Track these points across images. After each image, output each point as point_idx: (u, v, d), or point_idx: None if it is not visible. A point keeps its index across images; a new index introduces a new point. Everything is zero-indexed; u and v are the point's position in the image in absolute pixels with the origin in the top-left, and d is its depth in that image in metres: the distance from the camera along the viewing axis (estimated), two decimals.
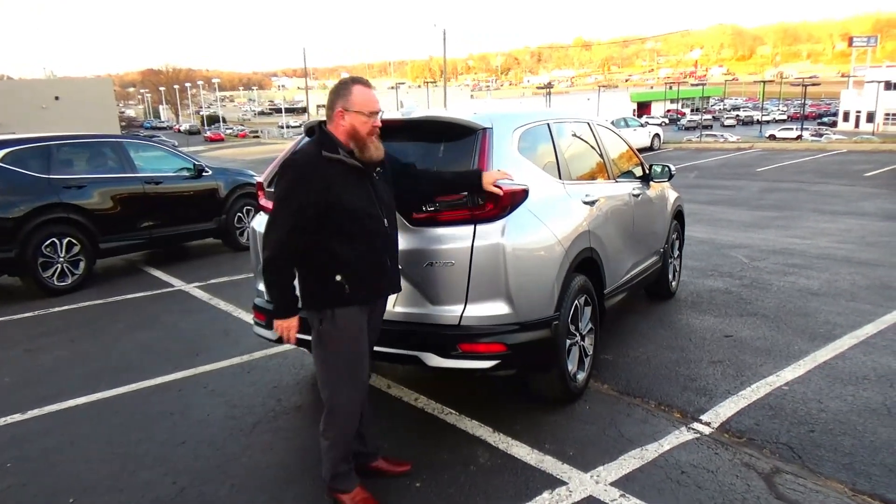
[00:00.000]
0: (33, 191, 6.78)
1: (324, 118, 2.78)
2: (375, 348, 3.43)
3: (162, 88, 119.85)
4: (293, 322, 2.70)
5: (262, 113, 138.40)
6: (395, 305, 3.31)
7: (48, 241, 6.79)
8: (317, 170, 2.58)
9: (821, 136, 44.64)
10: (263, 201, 3.92)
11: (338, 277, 2.63)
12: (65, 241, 6.92)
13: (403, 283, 3.22)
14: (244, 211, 8.99)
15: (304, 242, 2.59)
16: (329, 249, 2.62)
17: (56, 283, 6.86)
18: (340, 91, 2.67)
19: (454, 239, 3.21)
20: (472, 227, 3.21)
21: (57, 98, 39.28)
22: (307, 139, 2.76)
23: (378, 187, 2.78)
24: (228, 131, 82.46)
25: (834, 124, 65.90)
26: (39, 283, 6.77)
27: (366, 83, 2.74)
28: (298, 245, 2.59)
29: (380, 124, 2.73)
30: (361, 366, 2.79)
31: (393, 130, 3.69)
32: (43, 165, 6.96)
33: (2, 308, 6.46)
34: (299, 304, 2.72)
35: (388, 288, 2.89)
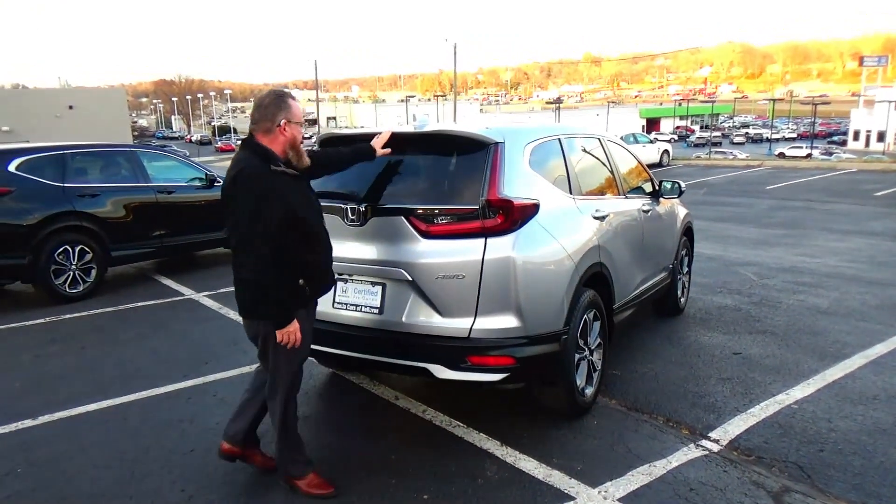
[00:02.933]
0: (47, 198, 6.85)
1: (264, 131, 2.87)
2: (384, 359, 3.46)
3: (174, 99, 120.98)
4: (295, 324, 2.83)
5: None
6: (405, 317, 3.33)
7: (61, 249, 6.84)
8: (272, 183, 2.73)
9: (830, 154, 44.56)
10: None
11: (301, 282, 2.85)
12: (77, 248, 6.97)
13: (413, 295, 3.25)
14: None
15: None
16: (293, 258, 2.80)
17: (68, 290, 6.91)
18: (281, 105, 2.84)
19: (465, 252, 3.23)
20: (483, 240, 3.24)
21: (71, 107, 39.68)
22: (241, 153, 2.84)
23: (313, 193, 3.03)
24: (239, 142, 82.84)
25: (844, 143, 65.74)
26: (51, 290, 6.83)
27: (293, 97, 2.98)
28: (276, 258, 2.72)
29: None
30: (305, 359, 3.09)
31: (405, 143, 3.72)
32: (57, 174, 7.03)
33: (14, 314, 6.52)
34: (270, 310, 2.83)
35: (331, 285, 3.15)
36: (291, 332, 2.82)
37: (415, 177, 3.66)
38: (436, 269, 3.25)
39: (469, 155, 3.45)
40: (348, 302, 3.55)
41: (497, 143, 3.44)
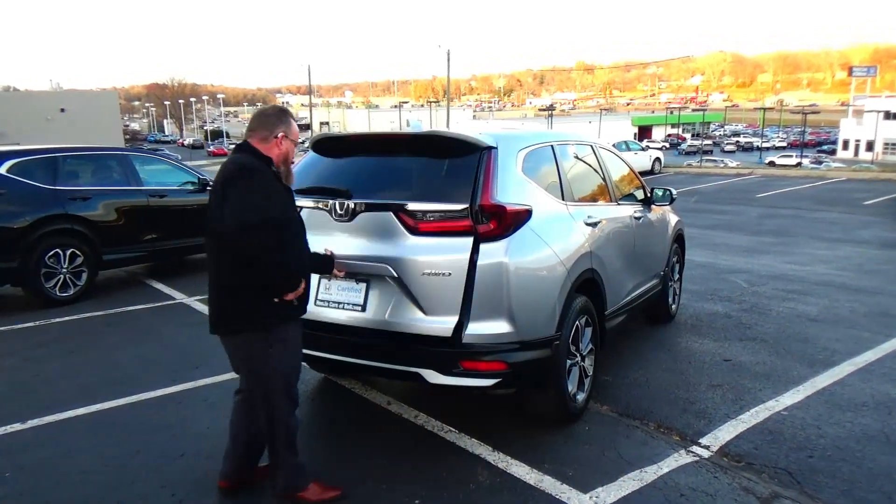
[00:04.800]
0: (38, 201, 6.81)
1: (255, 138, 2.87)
2: (376, 364, 3.46)
3: (167, 103, 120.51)
4: (303, 284, 2.83)
5: None
6: (388, 315, 3.32)
7: (52, 252, 6.80)
8: (274, 182, 2.77)
9: (820, 163, 44.95)
10: None
11: (289, 295, 2.77)
12: (68, 252, 6.93)
13: (398, 292, 3.27)
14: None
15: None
16: (279, 256, 2.72)
17: (58, 293, 6.87)
18: (283, 118, 2.89)
19: (453, 250, 3.22)
20: (472, 239, 3.23)
21: (62, 110, 39.53)
22: (238, 154, 2.83)
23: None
24: (232, 146, 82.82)
25: (833, 152, 66.30)
26: (41, 293, 6.78)
27: (294, 117, 3.03)
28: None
29: None
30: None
31: (398, 144, 3.73)
32: (49, 176, 6.99)
33: (3, 317, 6.46)
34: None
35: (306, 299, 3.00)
36: (300, 291, 2.80)
37: (407, 176, 3.67)
38: (422, 265, 3.23)
39: (462, 157, 3.46)
40: (331, 299, 3.53)
41: (490, 148, 3.46)
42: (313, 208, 3.59)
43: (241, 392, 3.05)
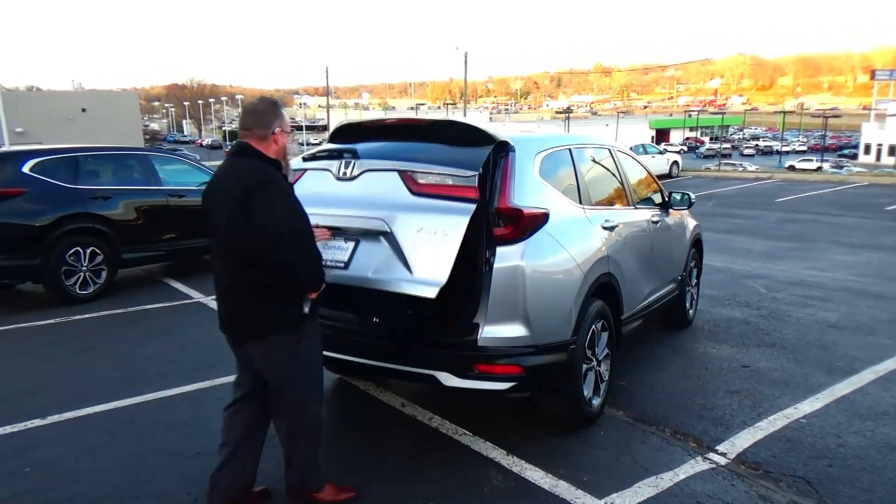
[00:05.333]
0: (60, 200, 6.91)
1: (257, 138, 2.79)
2: (391, 366, 3.46)
3: (186, 103, 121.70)
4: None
5: None
6: (371, 272, 3.20)
7: (72, 250, 6.89)
8: (290, 188, 2.77)
9: (841, 168, 44.34)
10: None
11: (312, 294, 2.79)
12: (88, 250, 7.02)
13: (386, 249, 3.20)
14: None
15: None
16: (310, 257, 2.75)
17: (78, 291, 6.96)
18: (277, 112, 2.81)
19: (453, 211, 3.13)
20: (474, 206, 3.12)
21: (84, 110, 40.09)
22: (244, 159, 2.75)
23: None
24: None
25: (854, 157, 65.40)
26: (62, 290, 6.87)
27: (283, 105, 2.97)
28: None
29: None
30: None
31: (416, 129, 3.73)
32: (70, 176, 7.09)
33: (24, 314, 6.57)
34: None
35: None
36: (322, 287, 2.83)
37: (419, 151, 3.58)
38: (418, 221, 3.14)
39: (476, 145, 3.41)
40: None
41: (507, 143, 3.43)
42: (317, 170, 3.57)
43: (242, 401, 2.95)
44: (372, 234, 3.27)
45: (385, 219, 3.20)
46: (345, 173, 3.44)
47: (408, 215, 3.19)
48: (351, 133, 4.01)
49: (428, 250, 3.10)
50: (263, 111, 2.79)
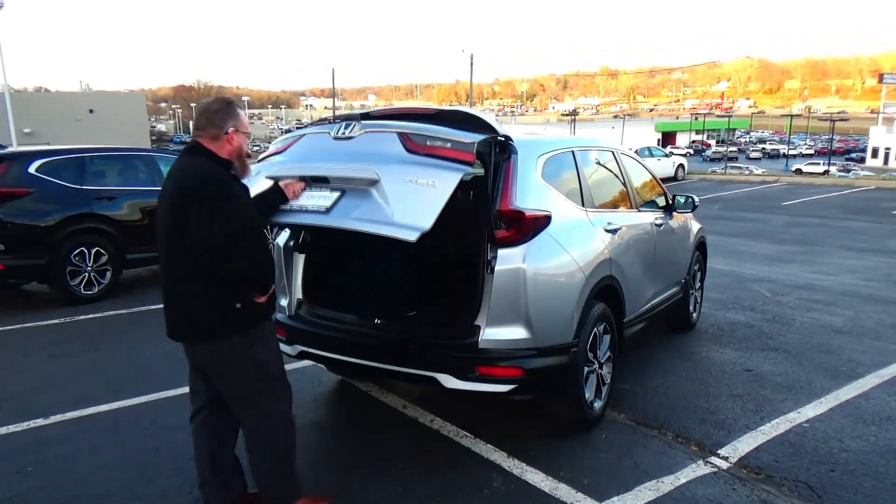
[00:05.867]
0: (66, 200, 6.95)
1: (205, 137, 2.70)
2: (393, 367, 3.47)
3: (193, 104, 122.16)
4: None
5: (288, 131, 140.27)
6: (352, 216, 3.05)
7: (77, 250, 6.93)
8: (236, 187, 2.64)
9: (848, 171, 44.12)
10: None
11: (261, 301, 2.67)
12: (93, 250, 7.06)
13: (372, 196, 3.05)
14: (267, 227, 9.09)
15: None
16: (257, 259, 2.61)
17: (83, 291, 6.99)
18: (231, 111, 2.72)
19: (447, 168, 3.03)
20: (467, 167, 3.03)
21: (91, 111, 40.30)
22: (193, 157, 2.66)
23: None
24: (255, 148, 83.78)
25: (862, 160, 65.05)
26: (67, 290, 6.91)
27: (240, 106, 2.84)
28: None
29: None
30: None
31: (421, 117, 3.73)
32: (76, 176, 7.14)
33: (29, 314, 6.60)
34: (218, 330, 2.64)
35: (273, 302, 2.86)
36: (271, 291, 2.71)
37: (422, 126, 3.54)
38: (410, 172, 3.02)
39: (478, 133, 3.36)
40: (297, 204, 3.22)
41: (507, 137, 3.39)
42: (315, 133, 3.53)
43: (202, 411, 2.84)
44: (359, 183, 3.09)
45: (376, 169, 3.06)
46: (343, 133, 3.33)
47: (400, 166, 3.06)
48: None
49: (415, 198, 2.95)
50: (216, 110, 2.70)
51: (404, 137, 3.16)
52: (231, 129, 2.69)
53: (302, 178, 3.25)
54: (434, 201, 2.88)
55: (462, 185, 4.93)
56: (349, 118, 3.46)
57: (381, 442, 3.73)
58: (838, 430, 3.85)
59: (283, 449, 2.78)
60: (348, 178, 3.14)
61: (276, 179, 3.26)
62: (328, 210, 3.11)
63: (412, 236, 2.81)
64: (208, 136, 2.68)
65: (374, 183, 3.02)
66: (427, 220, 2.82)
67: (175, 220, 2.55)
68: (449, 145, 3.09)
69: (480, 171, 3.40)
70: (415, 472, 3.36)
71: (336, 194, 3.14)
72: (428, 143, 3.12)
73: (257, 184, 3.25)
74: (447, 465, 3.42)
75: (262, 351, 2.71)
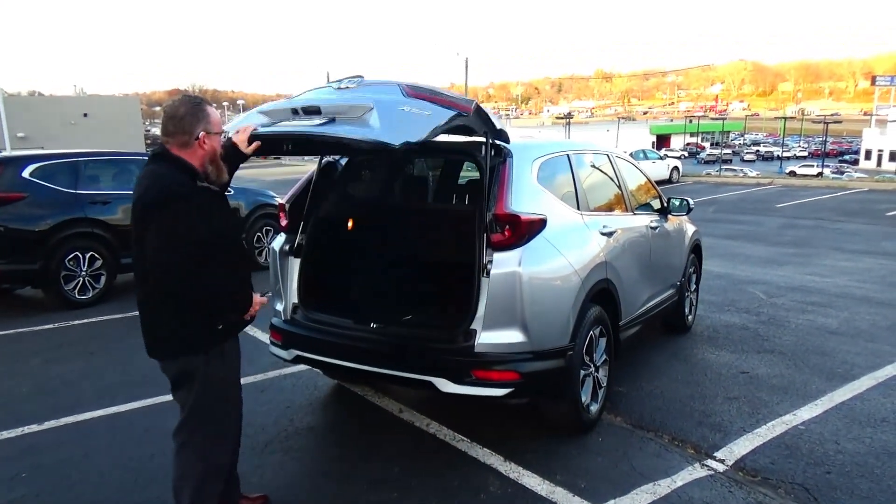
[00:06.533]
0: (60, 205, 6.92)
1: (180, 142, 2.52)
2: (389, 371, 3.46)
3: None
4: (257, 297, 2.66)
5: None
6: (328, 127, 2.91)
7: (72, 255, 6.91)
8: (201, 199, 2.46)
9: (842, 173, 44.36)
10: (284, 222, 3.99)
11: (220, 322, 2.57)
12: (88, 255, 7.04)
13: (361, 117, 2.89)
14: (264, 231, 9.09)
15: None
16: (212, 282, 2.46)
17: (77, 296, 6.97)
18: (198, 114, 2.51)
19: (441, 106, 2.95)
20: (456, 112, 2.93)
21: (85, 115, 40.12)
22: (156, 166, 2.50)
23: (230, 209, 2.77)
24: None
25: (856, 162, 65.39)
26: (61, 295, 6.88)
27: (210, 103, 2.63)
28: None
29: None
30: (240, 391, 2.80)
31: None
32: (70, 180, 7.11)
33: (23, 319, 6.57)
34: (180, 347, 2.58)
35: (247, 312, 2.71)
36: (258, 302, 2.64)
37: None
38: (406, 103, 2.92)
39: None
40: (281, 123, 3.08)
41: (502, 131, 3.40)
42: (319, 87, 3.40)
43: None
44: (353, 112, 2.92)
45: (372, 99, 2.91)
46: (346, 87, 3.18)
47: (398, 98, 2.96)
48: None
49: (407, 120, 2.82)
50: (184, 115, 2.49)
51: (405, 87, 3.04)
52: (201, 134, 2.50)
53: (294, 111, 3.07)
54: (426, 124, 2.78)
55: (458, 188, 4.95)
56: (354, 77, 3.30)
57: (377, 446, 3.72)
58: (834, 432, 3.86)
59: (199, 494, 2.64)
60: (342, 108, 2.98)
61: (240, 130, 2.98)
62: (312, 126, 2.94)
63: (397, 142, 2.65)
64: (177, 144, 2.50)
65: (367, 111, 2.86)
66: (415, 136, 2.70)
67: (137, 233, 2.45)
68: (449, 98, 3.03)
69: (476, 174, 3.40)
70: (411, 476, 3.35)
71: (326, 118, 2.97)
72: (428, 93, 3.04)
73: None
74: (444, 470, 3.41)
75: (219, 373, 2.62)
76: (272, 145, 3.18)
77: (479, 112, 3.09)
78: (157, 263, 2.39)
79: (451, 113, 2.90)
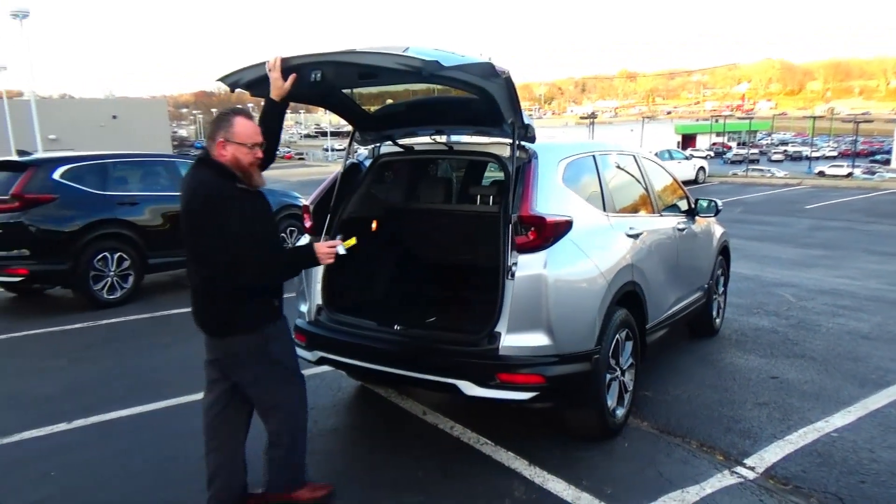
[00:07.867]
0: (89, 206, 7.05)
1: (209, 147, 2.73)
2: (413, 374, 3.44)
3: (214, 110, 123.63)
4: (323, 248, 2.79)
5: (307, 136, 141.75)
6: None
7: (100, 255, 7.02)
8: (238, 200, 2.63)
9: (873, 174, 43.30)
10: (308, 223, 4.00)
11: (274, 300, 2.83)
12: (116, 255, 7.14)
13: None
14: (288, 231, 9.15)
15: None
16: (266, 261, 2.71)
17: (106, 296, 7.07)
18: (221, 122, 2.68)
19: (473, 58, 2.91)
20: (492, 65, 2.89)
21: (114, 117, 40.89)
22: (197, 170, 2.72)
23: (270, 210, 2.95)
24: (288, 150, 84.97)
25: (887, 162, 63.71)
26: (90, 295, 6.99)
27: (248, 115, 2.77)
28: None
29: (261, 155, 2.75)
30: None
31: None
32: (99, 182, 7.23)
33: (53, 318, 6.68)
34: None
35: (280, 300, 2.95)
36: (326, 251, 2.78)
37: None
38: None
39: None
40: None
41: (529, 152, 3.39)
42: None
43: (217, 404, 2.92)
44: (385, 50, 2.83)
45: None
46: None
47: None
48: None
49: (439, 51, 2.79)
50: (213, 122, 2.73)
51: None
52: (220, 140, 2.65)
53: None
54: (458, 59, 2.77)
55: (482, 190, 4.92)
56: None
57: (400, 449, 3.71)
58: (868, 440, 3.76)
59: (294, 445, 2.95)
60: (375, 48, 2.88)
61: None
62: (342, 53, 2.91)
63: (428, 57, 2.64)
64: (209, 148, 2.71)
65: (401, 49, 2.77)
66: (447, 61, 2.68)
67: (186, 232, 2.69)
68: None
69: (500, 175, 3.37)
70: (435, 479, 3.33)
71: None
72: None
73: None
74: (468, 474, 3.39)
75: (277, 348, 2.84)
76: (302, 80, 3.01)
77: (510, 83, 3.03)
78: (216, 263, 2.61)
79: (486, 61, 2.88)
